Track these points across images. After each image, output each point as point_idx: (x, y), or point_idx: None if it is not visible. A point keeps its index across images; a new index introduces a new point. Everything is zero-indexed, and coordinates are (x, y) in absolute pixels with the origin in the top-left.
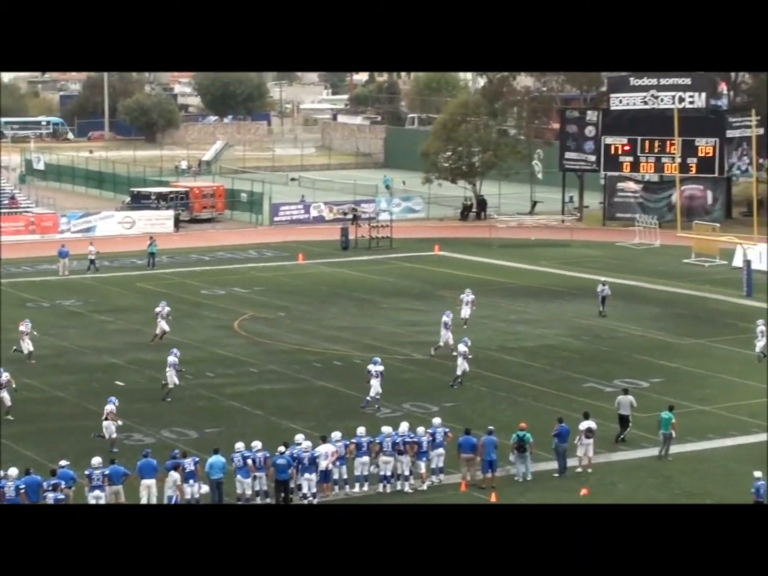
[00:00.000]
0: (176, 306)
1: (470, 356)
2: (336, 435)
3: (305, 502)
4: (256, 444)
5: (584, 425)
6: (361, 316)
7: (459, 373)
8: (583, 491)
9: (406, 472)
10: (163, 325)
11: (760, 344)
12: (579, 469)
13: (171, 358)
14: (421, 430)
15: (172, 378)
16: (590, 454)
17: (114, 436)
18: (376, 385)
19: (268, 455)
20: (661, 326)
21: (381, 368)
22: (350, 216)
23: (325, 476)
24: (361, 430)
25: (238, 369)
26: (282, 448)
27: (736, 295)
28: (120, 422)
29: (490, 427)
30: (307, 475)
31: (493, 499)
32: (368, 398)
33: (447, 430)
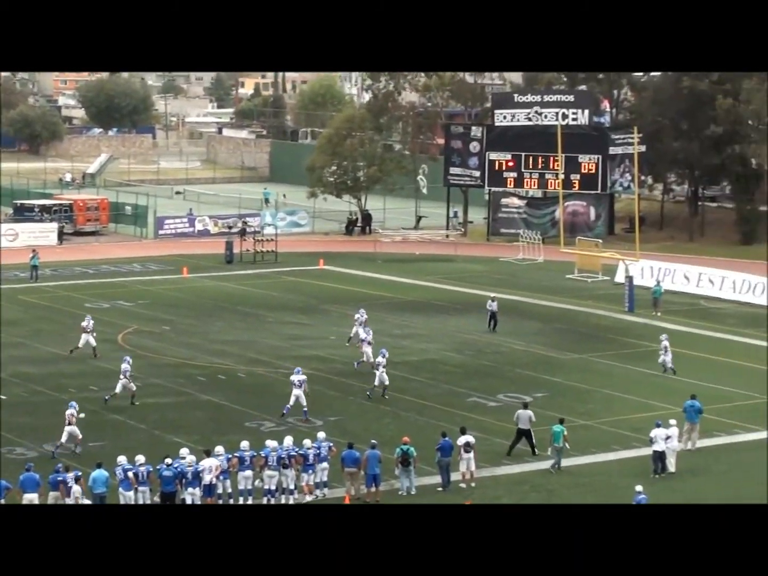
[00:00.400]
0: (60, 319)
1: (386, 366)
2: (219, 449)
3: None
4: (140, 458)
5: (462, 440)
6: (245, 330)
7: (376, 383)
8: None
9: (291, 486)
10: (90, 339)
11: (666, 358)
12: (462, 484)
13: (123, 366)
14: (307, 442)
15: (128, 386)
16: (472, 468)
17: (79, 437)
18: (301, 395)
19: (151, 469)
20: (544, 341)
21: (303, 377)
22: (238, 229)
23: (209, 490)
24: (244, 444)
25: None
26: (169, 460)
27: (618, 310)
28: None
29: (373, 441)
30: (191, 489)
31: None
32: (288, 406)
33: (331, 444)
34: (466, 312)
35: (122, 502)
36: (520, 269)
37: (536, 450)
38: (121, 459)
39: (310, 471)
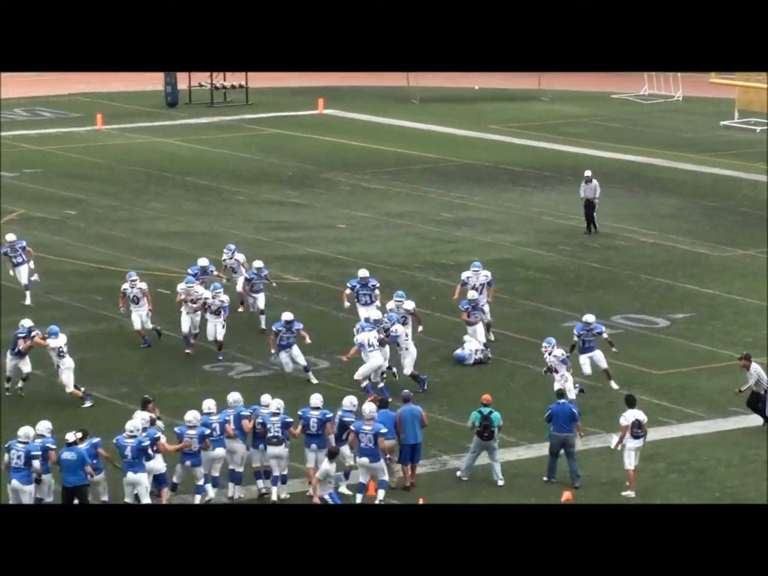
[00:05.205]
0: None
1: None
2: (191, 416)
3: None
4: (41, 427)
5: (629, 416)
6: (201, 215)
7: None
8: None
9: (285, 471)
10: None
11: (567, 385)
12: (629, 491)
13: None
14: (316, 399)
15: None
16: (637, 462)
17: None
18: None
19: (53, 445)
20: (686, 228)
21: (374, 335)
22: None
23: (160, 479)
24: (190, 416)
25: (3, 302)
26: (73, 436)
27: None
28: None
29: (407, 392)
30: (131, 475)
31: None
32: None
33: (329, 413)
34: (559, 182)
35: (12, 498)
36: (645, 112)
37: None
38: (24, 432)
39: (314, 445)
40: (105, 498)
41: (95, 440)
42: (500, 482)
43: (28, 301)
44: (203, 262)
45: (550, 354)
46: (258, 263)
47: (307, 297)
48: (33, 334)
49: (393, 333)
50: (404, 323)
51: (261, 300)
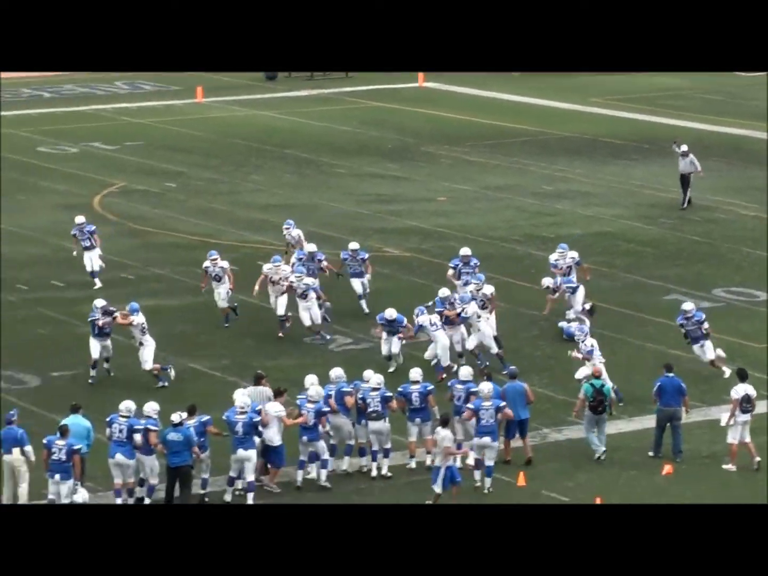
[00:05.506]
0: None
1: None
2: (313, 391)
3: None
4: (149, 407)
5: (740, 390)
6: (301, 188)
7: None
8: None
9: (387, 445)
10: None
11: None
12: (729, 465)
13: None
14: (415, 373)
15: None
16: (747, 439)
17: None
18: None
19: (157, 426)
20: None
21: (435, 316)
22: None
23: (277, 455)
24: (311, 379)
25: (103, 274)
26: (178, 417)
27: None
28: None
29: (514, 368)
30: (242, 451)
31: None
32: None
33: (429, 385)
34: (658, 155)
35: (116, 475)
36: (744, 85)
37: None
38: (125, 407)
39: (418, 419)
40: (206, 476)
41: (205, 418)
42: (602, 454)
43: (98, 286)
44: (311, 247)
45: (582, 342)
46: (354, 245)
47: (407, 270)
48: (115, 314)
49: (464, 314)
50: (483, 307)
51: (358, 285)
